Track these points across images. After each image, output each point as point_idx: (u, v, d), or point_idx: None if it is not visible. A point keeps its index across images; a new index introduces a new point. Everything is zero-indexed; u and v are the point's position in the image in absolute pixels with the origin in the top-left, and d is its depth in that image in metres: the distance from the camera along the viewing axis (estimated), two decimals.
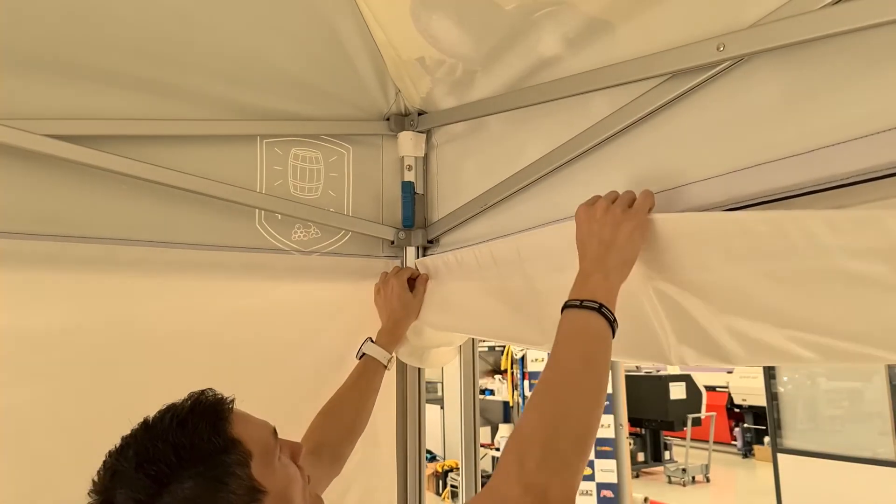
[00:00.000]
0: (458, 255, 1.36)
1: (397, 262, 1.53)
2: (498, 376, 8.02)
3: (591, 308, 0.82)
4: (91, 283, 1.20)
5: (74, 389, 1.19)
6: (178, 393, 1.21)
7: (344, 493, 1.40)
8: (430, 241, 1.53)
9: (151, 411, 1.20)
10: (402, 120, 1.53)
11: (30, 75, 1.16)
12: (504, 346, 7.86)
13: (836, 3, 0.74)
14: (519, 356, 7.38)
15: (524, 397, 6.88)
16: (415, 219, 1.52)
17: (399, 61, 1.37)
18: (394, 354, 1.38)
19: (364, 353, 1.34)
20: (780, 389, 5.54)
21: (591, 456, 6.10)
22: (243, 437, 0.78)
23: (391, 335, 1.39)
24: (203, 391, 0.82)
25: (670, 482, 8.97)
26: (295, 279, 1.41)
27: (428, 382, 9.56)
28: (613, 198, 0.93)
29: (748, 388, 9.98)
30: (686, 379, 9.33)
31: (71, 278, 1.19)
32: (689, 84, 0.92)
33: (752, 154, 0.87)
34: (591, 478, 6.12)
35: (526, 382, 6.86)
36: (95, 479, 0.74)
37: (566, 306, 0.85)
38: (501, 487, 0.71)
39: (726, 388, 11.03)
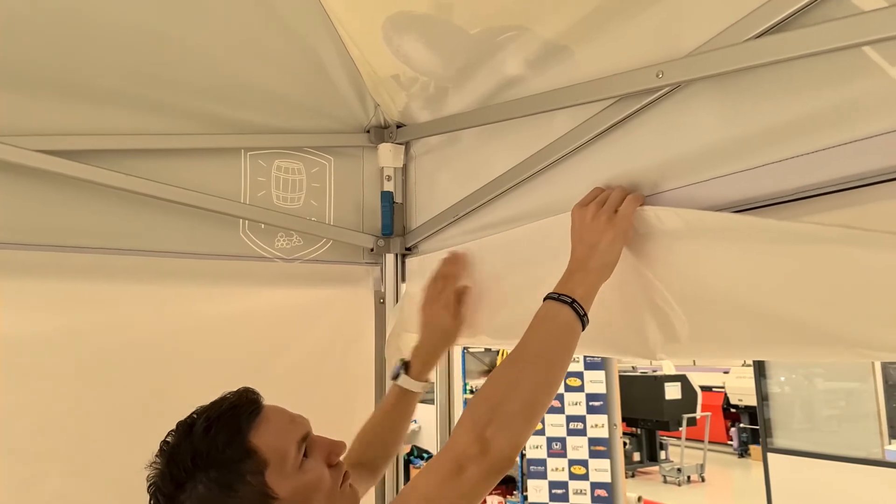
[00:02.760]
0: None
1: (377, 269, 1.60)
2: None
3: (564, 301, 0.91)
4: (84, 291, 1.28)
5: (67, 391, 1.26)
6: (165, 393, 1.29)
7: None
8: (408, 249, 1.60)
9: (141, 411, 1.28)
10: (382, 132, 1.60)
11: (24, 93, 1.23)
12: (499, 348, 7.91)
13: (759, 36, 0.81)
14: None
15: None
16: (394, 227, 1.59)
17: (376, 77, 1.44)
18: (431, 380, 1.33)
19: (398, 385, 1.29)
20: (774, 390, 5.61)
21: (586, 455, 6.19)
22: (261, 447, 0.84)
23: (426, 362, 1.30)
24: (237, 393, 0.90)
25: (666, 482, 9.04)
26: (278, 286, 1.48)
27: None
28: (603, 200, 0.99)
29: (744, 389, 10.02)
30: (681, 379, 9.39)
31: (65, 286, 1.27)
32: (636, 106, 0.99)
33: (695, 172, 0.94)
34: (584, 477, 6.14)
35: None
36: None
37: (547, 296, 0.94)
38: (456, 437, 0.82)
39: (722, 388, 11.09)
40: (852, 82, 0.75)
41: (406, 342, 1.56)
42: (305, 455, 0.89)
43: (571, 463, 6.22)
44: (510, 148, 1.28)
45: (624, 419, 7.63)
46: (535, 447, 6.56)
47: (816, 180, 0.80)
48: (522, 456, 6.83)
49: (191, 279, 1.36)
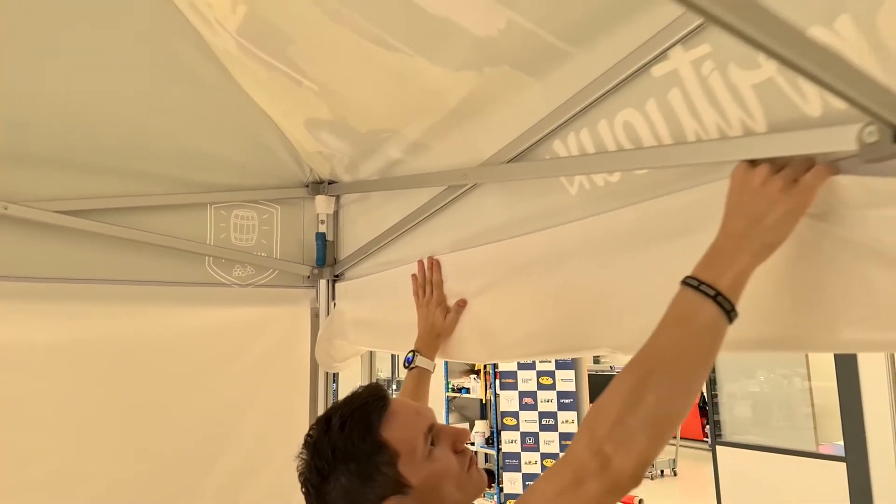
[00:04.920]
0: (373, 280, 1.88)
1: (313, 291, 2.09)
2: (473, 376, 8.52)
3: (706, 294, 0.76)
4: (78, 311, 1.74)
5: (59, 390, 1.71)
6: (148, 392, 1.81)
7: (263, 465, 1.95)
8: (337, 276, 2.09)
9: (123, 406, 1.75)
10: (318, 186, 2.09)
11: (38, 169, 1.69)
12: None
13: (510, 161, 1.30)
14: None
15: (496, 395, 7.32)
16: (325, 259, 2.09)
17: (306, 152, 1.93)
18: (435, 361, 1.55)
19: (416, 366, 1.51)
20: (720, 389, 6.08)
21: (557, 449, 6.58)
22: (392, 440, 0.91)
23: (430, 347, 1.53)
24: (366, 390, 0.98)
25: None
26: (236, 306, 1.97)
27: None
28: (779, 167, 0.80)
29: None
30: None
31: (65, 308, 1.73)
32: (456, 193, 1.48)
33: (491, 236, 1.43)
34: None
35: (497, 381, 7.26)
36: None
37: (685, 281, 0.78)
38: (575, 450, 0.74)
39: None
40: (554, 195, 1.25)
41: (336, 346, 2.05)
42: (433, 444, 0.95)
43: (544, 456, 6.64)
44: (398, 208, 1.76)
45: None
46: (510, 442, 7.00)
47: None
48: (499, 450, 7.29)
49: (166, 302, 1.86)
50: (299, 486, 0.95)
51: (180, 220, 1.90)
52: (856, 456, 4.46)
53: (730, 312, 0.76)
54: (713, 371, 6.03)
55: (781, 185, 0.77)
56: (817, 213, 0.80)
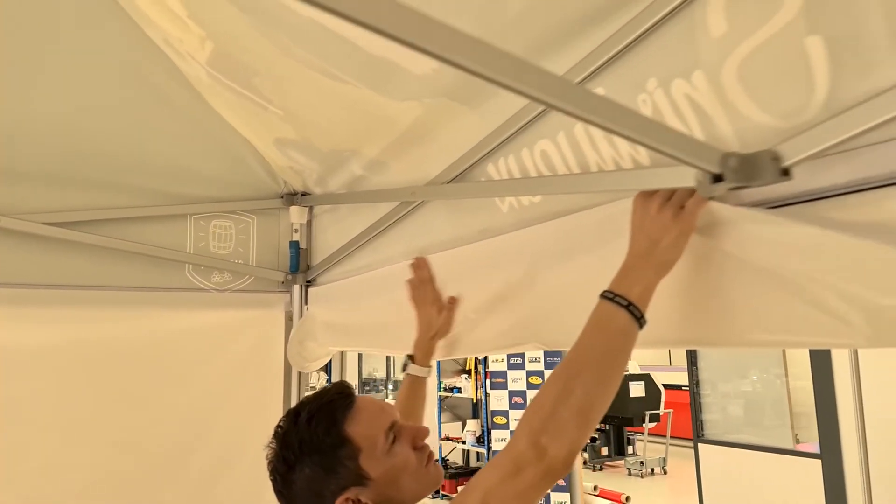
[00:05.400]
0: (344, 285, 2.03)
1: (287, 295, 2.23)
2: (464, 376, 8.67)
3: (620, 304, 0.89)
4: (68, 315, 1.89)
5: (53, 388, 1.86)
6: (133, 389, 1.95)
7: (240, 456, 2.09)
8: (309, 281, 2.24)
9: (110, 402, 1.90)
10: (293, 197, 2.23)
11: (32, 185, 1.84)
12: None
13: (451, 181, 1.44)
14: (482, 357, 8.00)
15: (487, 394, 7.45)
16: (299, 266, 2.23)
17: (278, 167, 2.08)
18: (432, 364, 1.57)
19: (407, 373, 1.55)
20: (703, 389, 6.22)
21: None
22: (355, 435, 0.98)
23: (426, 350, 1.54)
24: (334, 387, 1.05)
25: (630, 474, 9.52)
26: (214, 309, 2.11)
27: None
28: (669, 194, 0.93)
29: None
30: (645, 378, 9.94)
31: (56, 312, 1.88)
32: (410, 207, 1.63)
33: (438, 247, 1.57)
34: None
35: (488, 381, 7.38)
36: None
37: (603, 294, 0.91)
38: (515, 440, 0.84)
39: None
40: (489, 212, 1.39)
41: (307, 348, 2.20)
42: (394, 440, 1.01)
43: None
44: (362, 219, 1.91)
45: None
46: (500, 440, 7.14)
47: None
48: (489, 448, 7.43)
49: (149, 306, 2.00)
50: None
51: (162, 231, 2.04)
52: (830, 453, 4.59)
53: (640, 319, 0.89)
54: (697, 372, 6.16)
55: (672, 213, 0.90)
56: (705, 232, 0.94)
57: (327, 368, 11.75)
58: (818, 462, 4.74)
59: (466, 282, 1.48)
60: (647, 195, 0.96)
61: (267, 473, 1.03)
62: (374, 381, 12.38)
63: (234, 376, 2.11)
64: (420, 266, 1.58)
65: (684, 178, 0.85)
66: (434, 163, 1.51)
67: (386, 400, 1.18)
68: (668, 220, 0.91)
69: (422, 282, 1.57)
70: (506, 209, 1.35)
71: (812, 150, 0.74)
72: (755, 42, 0.84)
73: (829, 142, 0.72)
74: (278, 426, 1.03)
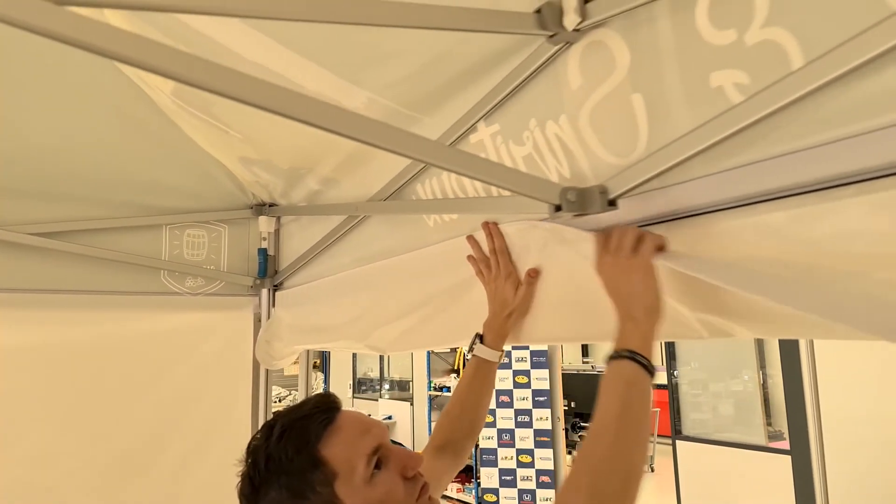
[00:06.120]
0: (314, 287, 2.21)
1: (256, 299, 2.41)
2: (453, 375, 8.83)
3: (623, 357, 0.88)
4: (51, 317, 2.07)
5: (39, 385, 2.04)
6: (113, 385, 2.13)
7: (211, 447, 2.27)
8: (276, 286, 2.42)
9: (91, 398, 2.08)
10: (261, 208, 2.41)
11: (17, 199, 2.01)
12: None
13: (387, 198, 1.62)
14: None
15: None
16: (267, 271, 2.41)
17: (246, 181, 2.26)
18: (503, 350, 1.34)
19: (474, 355, 1.34)
20: (682, 389, 6.39)
21: (531, 445, 6.84)
22: (330, 458, 0.85)
23: (500, 333, 1.32)
24: (316, 399, 0.92)
25: None
26: (187, 311, 2.29)
27: (401, 380, 9.93)
28: (616, 243, 0.96)
29: None
30: None
31: (39, 314, 2.06)
32: (353, 222, 1.81)
33: (380, 255, 1.75)
34: (531, 465, 6.79)
35: None
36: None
37: (609, 355, 0.91)
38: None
39: None
40: (418, 225, 1.57)
41: (274, 347, 2.38)
42: (378, 467, 0.88)
43: (519, 452, 6.86)
44: (321, 229, 2.09)
45: (581, 414, 8.34)
46: (487, 438, 7.27)
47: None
48: (477, 446, 7.57)
49: (126, 309, 2.18)
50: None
51: (139, 239, 2.22)
52: (799, 449, 4.75)
53: (647, 366, 0.89)
54: (675, 374, 6.32)
55: (625, 258, 0.94)
56: (582, 250, 1.09)
57: (325, 368, 11.92)
58: (788, 458, 4.89)
59: (398, 285, 1.67)
60: (601, 239, 1.01)
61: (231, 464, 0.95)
62: (370, 380, 12.54)
63: (206, 373, 2.29)
64: (494, 234, 1.31)
65: (538, 206, 1.03)
66: (373, 182, 1.70)
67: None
68: (625, 262, 0.93)
69: (494, 253, 1.31)
70: (432, 224, 1.54)
71: (629, 185, 0.92)
72: (601, 93, 1.02)
73: (639, 179, 0.91)
74: (253, 438, 0.92)
